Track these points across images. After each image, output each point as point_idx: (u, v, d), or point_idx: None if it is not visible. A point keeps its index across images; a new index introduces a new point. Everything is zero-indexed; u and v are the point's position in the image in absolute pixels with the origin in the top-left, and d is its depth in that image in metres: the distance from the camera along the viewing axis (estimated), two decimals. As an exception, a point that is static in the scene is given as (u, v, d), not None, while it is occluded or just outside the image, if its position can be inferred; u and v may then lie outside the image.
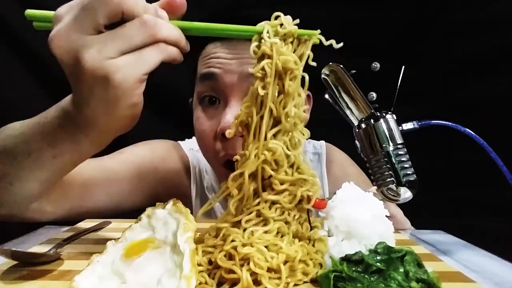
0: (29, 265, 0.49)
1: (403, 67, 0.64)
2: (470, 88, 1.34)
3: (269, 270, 0.42)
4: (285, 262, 0.43)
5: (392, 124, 0.62)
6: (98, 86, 0.40)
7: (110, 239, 0.48)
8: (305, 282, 0.44)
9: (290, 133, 0.47)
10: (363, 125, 0.64)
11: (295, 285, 0.43)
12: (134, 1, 0.41)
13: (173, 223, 0.46)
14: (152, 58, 0.41)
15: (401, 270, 0.41)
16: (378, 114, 0.63)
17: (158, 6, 0.44)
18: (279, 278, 0.42)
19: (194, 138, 0.97)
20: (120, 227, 0.70)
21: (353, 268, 0.42)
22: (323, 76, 0.66)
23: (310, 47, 0.47)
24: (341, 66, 0.63)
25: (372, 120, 0.62)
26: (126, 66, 0.40)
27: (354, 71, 0.64)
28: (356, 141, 0.66)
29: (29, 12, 0.44)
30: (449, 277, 0.45)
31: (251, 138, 0.46)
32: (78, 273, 0.41)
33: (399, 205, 0.69)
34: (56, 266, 0.49)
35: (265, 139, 0.46)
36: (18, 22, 1.27)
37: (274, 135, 0.46)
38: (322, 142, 1.06)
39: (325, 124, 1.01)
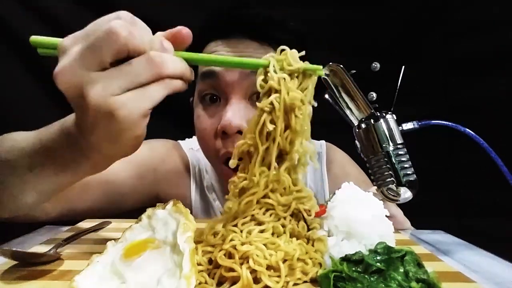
0: (29, 265, 0.49)
1: (403, 67, 0.64)
2: (470, 88, 1.34)
3: (269, 268, 0.42)
4: (284, 261, 0.43)
5: (392, 124, 0.62)
6: (102, 120, 0.40)
7: (110, 239, 0.48)
8: (304, 281, 0.44)
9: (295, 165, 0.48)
10: (363, 125, 0.64)
11: (295, 284, 0.43)
12: (140, 38, 0.40)
13: (173, 223, 0.46)
14: (156, 94, 0.41)
15: (401, 270, 0.41)
16: (378, 114, 0.63)
17: (164, 36, 0.44)
18: (279, 276, 0.42)
19: (194, 137, 0.98)
20: (120, 227, 0.70)
21: (353, 268, 0.42)
22: (323, 76, 0.66)
23: (315, 82, 0.47)
24: (341, 66, 0.63)
25: (372, 120, 0.62)
26: (130, 102, 0.40)
27: (354, 71, 0.64)
28: (356, 141, 0.66)
29: (34, 38, 0.43)
30: (449, 277, 0.45)
31: (255, 166, 0.46)
32: (78, 273, 0.41)
33: (399, 205, 0.69)
34: (56, 266, 0.49)
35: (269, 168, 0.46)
36: (18, 22, 1.27)
37: (278, 163, 0.47)
38: (322, 142, 1.06)
39: (325, 124, 1.01)
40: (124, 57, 0.40)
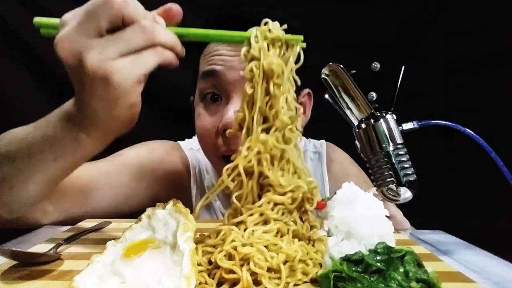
0: (29, 265, 0.48)
1: (403, 67, 0.64)
2: (470, 88, 1.34)
3: (269, 270, 0.42)
4: (285, 262, 0.43)
5: (392, 124, 0.62)
6: (99, 86, 0.43)
7: (110, 239, 0.48)
8: (305, 282, 0.44)
9: (282, 131, 0.49)
10: (363, 125, 0.64)
11: (295, 285, 0.43)
12: (134, 7, 0.43)
13: (173, 223, 0.46)
14: (149, 60, 0.44)
15: (401, 270, 0.41)
16: (378, 114, 0.63)
17: (157, 13, 0.46)
18: (279, 278, 0.42)
19: (194, 138, 0.97)
20: (120, 227, 0.70)
21: (353, 268, 0.42)
22: (323, 76, 0.66)
23: (296, 53, 0.49)
24: (341, 66, 0.63)
25: (372, 120, 0.62)
26: (125, 67, 0.42)
27: (354, 71, 0.64)
28: (356, 141, 0.66)
29: (37, 19, 0.46)
30: (449, 277, 0.45)
31: (245, 135, 0.49)
32: (78, 273, 0.41)
33: (399, 205, 0.69)
34: (56, 266, 0.49)
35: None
36: (18, 22, 1.27)
37: (267, 132, 0.48)
38: (323, 141, 1.07)
39: (325, 124, 1.02)
40: (119, 27, 0.43)
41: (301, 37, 0.49)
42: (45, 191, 0.60)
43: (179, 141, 1.03)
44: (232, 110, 0.72)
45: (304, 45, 0.50)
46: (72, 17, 0.44)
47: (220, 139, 0.76)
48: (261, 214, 0.47)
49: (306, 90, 0.90)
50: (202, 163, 0.98)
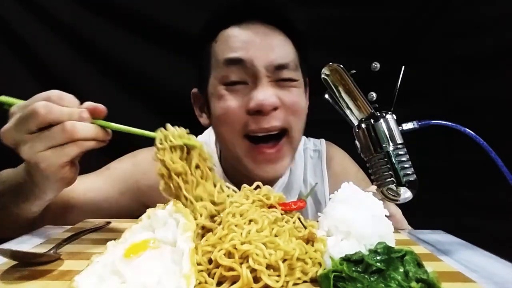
0: (29, 265, 0.48)
1: (403, 67, 0.64)
2: (470, 88, 1.33)
3: (268, 267, 0.42)
4: (284, 260, 0.43)
5: (392, 124, 0.62)
6: (33, 168, 0.59)
7: (110, 239, 0.48)
8: (304, 281, 0.44)
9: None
10: (363, 125, 0.64)
11: (295, 284, 0.43)
12: (59, 112, 0.55)
13: (172, 223, 0.46)
14: (71, 151, 0.56)
15: (401, 270, 0.41)
16: (378, 114, 0.63)
17: (86, 107, 0.57)
18: (279, 276, 0.42)
19: None
20: (120, 227, 0.70)
21: (353, 268, 0.42)
22: (323, 76, 0.66)
23: (197, 155, 0.58)
24: (341, 66, 0.63)
25: (372, 120, 0.63)
26: (50, 158, 0.55)
27: (354, 71, 0.64)
28: (356, 141, 0.66)
29: (2, 98, 0.58)
30: (449, 277, 0.45)
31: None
32: (78, 273, 0.41)
33: (399, 205, 0.69)
34: (56, 266, 0.49)
35: None
36: (18, 22, 1.27)
37: None
38: (322, 140, 1.07)
39: (325, 124, 1.02)
40: (48, 125, 0.55)
41: (200, 145, 0.58)
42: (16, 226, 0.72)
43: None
44: (264, 92, 0.78)
45: (204, 152, 0.58)
46: (16, 112, 0.56)
47: (250, 118, 0.79)
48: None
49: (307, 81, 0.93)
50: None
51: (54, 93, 0.58)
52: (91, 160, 0.69)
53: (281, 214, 0.52)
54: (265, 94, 0.78)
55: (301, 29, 0.85)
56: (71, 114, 0.56)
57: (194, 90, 0.93)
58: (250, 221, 0.48)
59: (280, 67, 0.81)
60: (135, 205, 0.91)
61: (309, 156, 1.03)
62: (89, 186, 0.88)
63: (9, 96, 0.59)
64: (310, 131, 1.02)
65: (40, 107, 0.54)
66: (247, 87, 0.81)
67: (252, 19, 0.82)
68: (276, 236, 0.47)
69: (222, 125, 0.85)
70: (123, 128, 0.60)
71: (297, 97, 0.84)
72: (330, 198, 0.54)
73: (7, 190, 0.69)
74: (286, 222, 0.51)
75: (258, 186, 0.58)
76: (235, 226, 0.47)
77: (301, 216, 0.55)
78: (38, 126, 0.55)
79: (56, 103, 0.56)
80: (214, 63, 0.83)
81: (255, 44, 0.80)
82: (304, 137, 1.05)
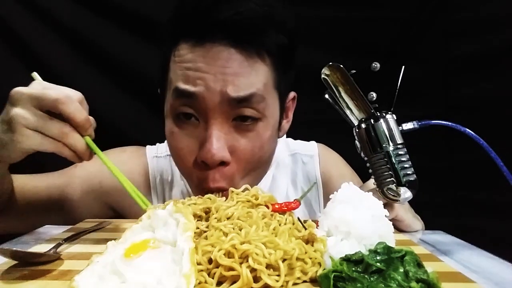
0: (29, 265, 0.48)
1: (403, 67, 0.64)
2: (470, 88, 1.33)
3: (268, 267, 0.42)
4: (284, 260, 0.43)
5: (392, 124, 0.62)
6: (8, 130, 0.58)
7: (110, 239, 0.48)
8: (304, 281, 0.44)
9: None
10: (363, 125, 0.64)
11: (294, 284, 0.43)
12: (72, 111, 0.58)
13: (173, 223, 0.46)
14: (49, 146, 0.59)
15: (401, 270, 0.41)
16: (378, 114, 0.63)
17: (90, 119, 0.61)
18: (278, 275, 0.42)
19: (165, 142, 0.92)
20: (120, 227, 0.70)
21: (353, 268, 0.42)
22: (323, 76, 0.66)
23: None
24: (341, 66, 0.63)
25: (372, 120, 0.63)
26: (30, 138, 0.57)
27: (354, 71, 0.64)
28: (356, 141, 0.66)
29: (34, 74, 0.65)
30: (449, 277, 0.45)
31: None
32: (78, 273, 0.41)
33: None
34: (56, 266, 0.49)
35: None
36: (18, 22, 1.27)
37: None
38: (313, 143, 1.01)
39: (325, 124, 1.01)
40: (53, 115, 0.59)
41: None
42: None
43: (148, 146, 0.96)
44: (213, 141, 0.64)
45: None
46: (39, 86, 0.60)
47: (200, 172, 0.68)
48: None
49: (292, 95, 0.80)
50: (166, 172, 0.91)
51: (79, 95, 0.62)
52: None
53: (271, 215, 0.52)
54: (216, 142, 0.64)
55: (283, 43, 0.68)
56: (81, 116, 0.59)
57: (160, 91, 0.78)
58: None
59: (241, 101, 0.65)
60: (101, 207, 0.88)
61: (301, 161, 0.97)
62: (52, 183, 0.86)
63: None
64: (310, 131, 1.02)
65: (63, 96, 0.58)
66: (199, 126, 0.67)
67: (217, 36, 0.64)
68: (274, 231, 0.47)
69: (179, 168, 0.76)
70: (107, 162, 0.63)
71: (257, 141, 0.69)
72: (330, 199, 0.54)
73: None
74: (278, 222, 0.50)
75: (246, 189, 0.56)
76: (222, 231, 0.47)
77: (295, 217, 0.54)
78: (47, 108, 0.58)
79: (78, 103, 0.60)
80: (169, 81, 0.70)
81: (211, 72, 0.63)
82: (291, 140, 1.01)
